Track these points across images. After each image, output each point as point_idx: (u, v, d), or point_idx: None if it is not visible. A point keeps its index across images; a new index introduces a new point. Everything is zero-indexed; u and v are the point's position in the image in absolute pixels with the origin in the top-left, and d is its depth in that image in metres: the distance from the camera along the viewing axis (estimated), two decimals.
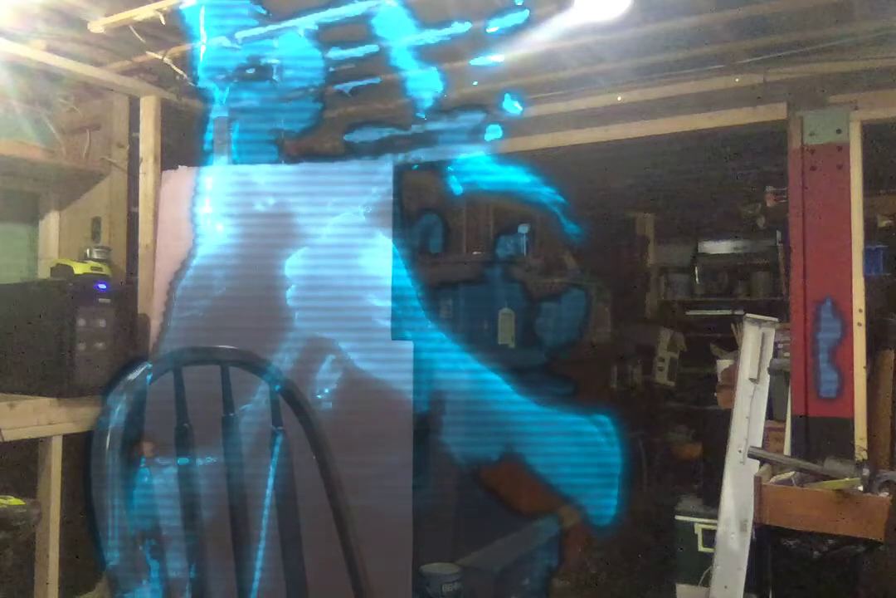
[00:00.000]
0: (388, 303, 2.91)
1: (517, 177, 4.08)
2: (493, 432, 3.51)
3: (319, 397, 2.83)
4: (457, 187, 4.29)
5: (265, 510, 2.13)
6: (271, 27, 2.74)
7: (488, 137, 3.55)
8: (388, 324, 2.90)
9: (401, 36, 2.79)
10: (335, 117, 3.71)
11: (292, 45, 2.83)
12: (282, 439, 1.71)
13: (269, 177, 3.12)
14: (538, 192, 4.44)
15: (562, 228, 4.78)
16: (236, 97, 3.25)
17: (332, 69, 3.04)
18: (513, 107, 3.36)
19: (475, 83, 3.29)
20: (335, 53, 2.91)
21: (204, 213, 3.11)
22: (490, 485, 3.59)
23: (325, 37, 2.78)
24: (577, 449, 3.66)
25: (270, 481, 1.72)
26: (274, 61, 3.01)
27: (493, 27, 2.67)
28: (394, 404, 2.85)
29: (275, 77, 3.07)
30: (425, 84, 3.24)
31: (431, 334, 3.25)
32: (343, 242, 2.98)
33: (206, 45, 2.85)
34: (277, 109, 3.36)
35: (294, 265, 2.98)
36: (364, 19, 2.62)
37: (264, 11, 2.69)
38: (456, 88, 3.33)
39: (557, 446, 3.61)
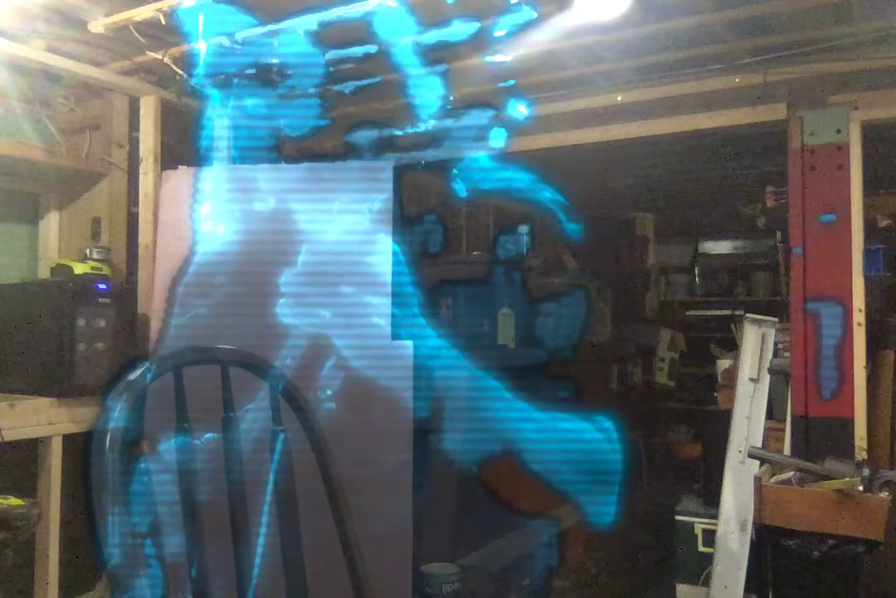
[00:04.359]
0: (389, 303, 2.91)
1: (518, 177, 4.09)
2: (492, 433, 3.51)
3: (321, 397, 2.83)
4: (458, 187, 4.29)
5: (266, 510, 2.13)
6: (270, 27, 2.74)
7: (492, 138, 3.54)
8: (388, 324, 2.90)
9: (401, 36, 2.79)
10: (335, 117, 3.71)
11: (293, 46, 2.83)
12: (282, 439, 1.71)
13: (269, 177, 3.12)
14: (538, 191, 4.44)
15: (562, 227, 4.79)
16: (236, 97, 3.26)
17: (332, 69, 3.04)
18: (517, 111, 3.36)
19: (475, 84, 3.29)
20: (335, 53, 2.91)
21: (204, 213, 3.11)
22: (490, 485, 3.59)
23: (326, 37, 2.78)
24: (577, 449, 3.66)
25: (271, 481, 1.72)
26: (273, 61, 3.01)
27: (496, 28, 2.67)
28: (394, 404, 2.85)
29: (274, 78, 3.07)
30: (425, 84, 3.24)
31: (430, 335, 3.25)
32: (343, 243, 2.98)
33: (204, 46, 2.85)
34: (278, 109, 3.36)
35: (295, 265, 2.98)
36: (364, 19, 2.62)
37: (256, 21, 2.70)
38: (456, 89, 3.33)
39: (556, 447, 3.61)
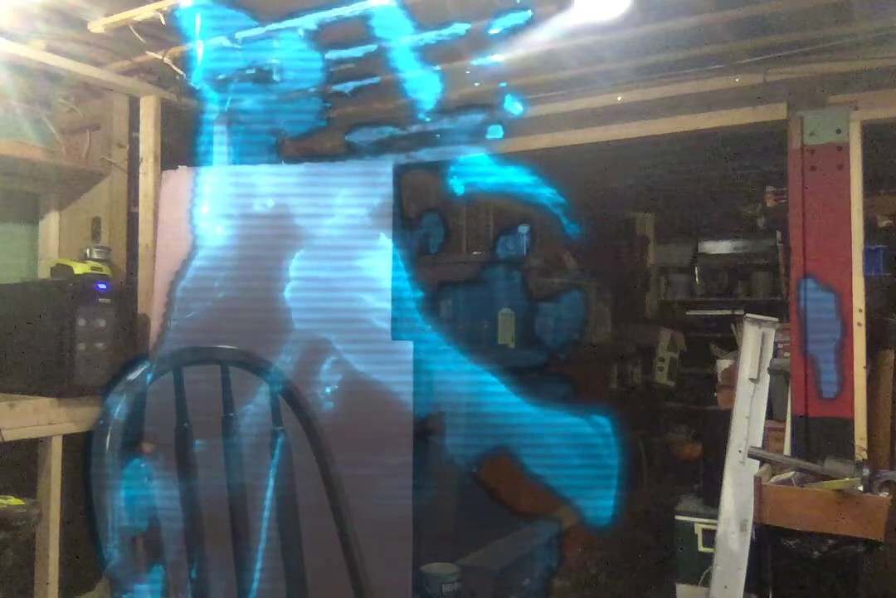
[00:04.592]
0: (388, 304, 2.91)
1: (517, 177, 4.09)
2: (491, 433, 3.51)
3: (321, 397, 2.83)
4: (458, 188, 4.29)
5: (265, 511, 2.13)
6: (270, 27, 2.74)
7: (490, 137, 3.54)
8: (387, 324, 2.90)
9: (399, 36, 2.79)
10: (335, 117, 3.71)
11: (291, 46, 2.83)
12: (282, 439, 1.71)
13: (269, 177, 3.12)
14: (538, 192, 4.44)
15: (562, 228, 4.79)
16: (235, 98, 3.26)
17: (331, 69, 3.04)
18: (514, 107, 3.36)
19: (475, 83, 3.29)
20: (334, 54, 2.91)
21: (204, 213, 3.11)
22: (490, 485, 3.59)
23: (324, 37, 2.78)
24: (574, 450, 3.67)
25: (271, 482, 1.73)
26: (273, 61, 3.01)
27: (495, 28, 2.67)
28: (394, 405, 2.85)
29: (274, 78, 3.08)
30: (425, 84, 3.24)
31: (429, 335, 3.25)
32: (343, 243, 2.98)
33: (203, 47, 2.85)
34: (277, 110, 3.37)
35: (294, 266, 2.98)
36: (362, 19, 2.62)
37: (255, 22, 2.70)
38: (456, 89, 3.33)
39: (555, 448, 3.61)
